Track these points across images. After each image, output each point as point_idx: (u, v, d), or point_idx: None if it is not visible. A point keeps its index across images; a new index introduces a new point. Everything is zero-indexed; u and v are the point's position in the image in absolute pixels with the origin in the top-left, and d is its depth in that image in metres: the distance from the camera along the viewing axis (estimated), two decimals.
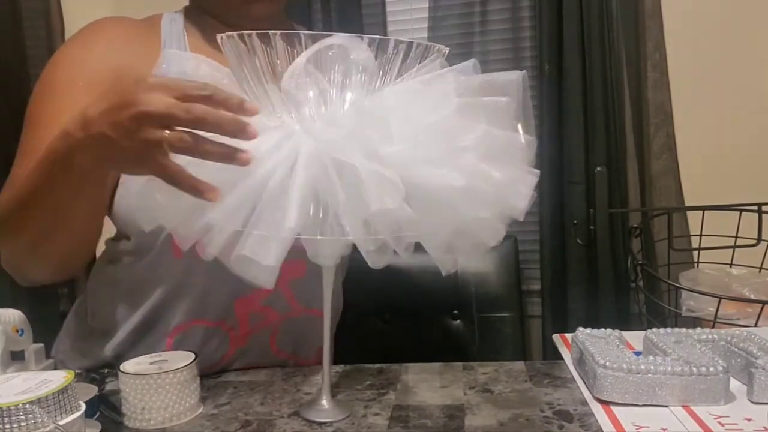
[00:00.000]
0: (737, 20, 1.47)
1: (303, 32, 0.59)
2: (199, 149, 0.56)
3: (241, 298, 0.65)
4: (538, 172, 0.67)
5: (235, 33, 0.60)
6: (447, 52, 0.67)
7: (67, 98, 0.79)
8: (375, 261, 0.60)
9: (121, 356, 0.86)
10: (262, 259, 0.57)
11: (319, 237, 0.60)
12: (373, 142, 0.59)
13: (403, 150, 0.59)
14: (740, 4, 1.46)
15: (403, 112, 0.61)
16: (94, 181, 0.69)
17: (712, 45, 1.47)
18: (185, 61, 0.67)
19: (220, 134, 0.56)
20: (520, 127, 0.65)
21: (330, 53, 0.59)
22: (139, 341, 0.88)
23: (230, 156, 0.56)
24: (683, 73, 1.47)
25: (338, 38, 0.59)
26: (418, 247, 0.64)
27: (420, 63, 0.64)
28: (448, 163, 0.60)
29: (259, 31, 0.59)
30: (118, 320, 0.89)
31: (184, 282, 0.85)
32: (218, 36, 0.61)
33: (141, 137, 0.57)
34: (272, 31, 0.59)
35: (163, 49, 0.84)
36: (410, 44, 0.62)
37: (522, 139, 0.65)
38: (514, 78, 0.65)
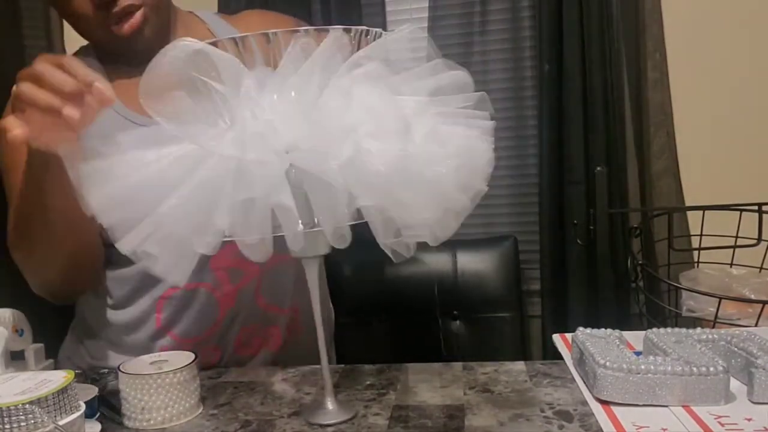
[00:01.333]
0: (737, 20, 1.47)
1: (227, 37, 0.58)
2: (33, 99, 0.62)
3: (213, 256, 0.67)
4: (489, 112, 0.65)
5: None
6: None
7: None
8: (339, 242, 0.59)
9: (115, 341, 0.92)
10: (165, 261, 0.58)
11: (247, 236, 0.59)
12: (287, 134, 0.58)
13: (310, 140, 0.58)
14: (740, 5, 1.46)
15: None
16: (46, 164, 0.72)
17: (712, 45, 1.47)
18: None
19: (59, 93, 0.62)
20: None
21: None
22: (129, 313, 0.92)
23: (58, 110, 0.61)
24: (683, 73, 1.47)
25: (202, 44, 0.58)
26: (420, 247, 0.64)
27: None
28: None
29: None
30: (107, 308, 0.93)
31: None
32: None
33: (12, 99, 0.65)
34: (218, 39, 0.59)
35: None
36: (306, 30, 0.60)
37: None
38: (403, 35, 0.63)
